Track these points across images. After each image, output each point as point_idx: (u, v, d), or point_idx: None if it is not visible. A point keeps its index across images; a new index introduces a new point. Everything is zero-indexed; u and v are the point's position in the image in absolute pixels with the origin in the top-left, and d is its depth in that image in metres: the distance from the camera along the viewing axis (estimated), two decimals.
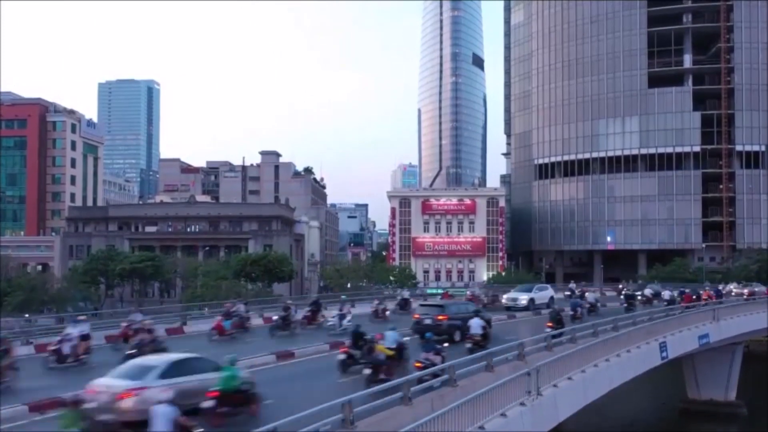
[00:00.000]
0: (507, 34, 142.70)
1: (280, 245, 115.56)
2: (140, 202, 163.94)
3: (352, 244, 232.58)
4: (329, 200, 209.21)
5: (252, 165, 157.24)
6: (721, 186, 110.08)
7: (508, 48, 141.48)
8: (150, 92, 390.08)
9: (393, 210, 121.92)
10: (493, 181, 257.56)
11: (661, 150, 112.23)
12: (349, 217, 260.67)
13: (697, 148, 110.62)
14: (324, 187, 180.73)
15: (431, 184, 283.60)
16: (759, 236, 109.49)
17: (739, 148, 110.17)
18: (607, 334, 27.00)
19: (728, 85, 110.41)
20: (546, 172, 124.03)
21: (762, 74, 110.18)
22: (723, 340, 39.63)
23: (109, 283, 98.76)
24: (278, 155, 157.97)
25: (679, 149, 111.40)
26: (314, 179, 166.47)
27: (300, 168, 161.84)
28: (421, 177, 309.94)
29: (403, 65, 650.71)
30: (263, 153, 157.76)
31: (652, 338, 29.21)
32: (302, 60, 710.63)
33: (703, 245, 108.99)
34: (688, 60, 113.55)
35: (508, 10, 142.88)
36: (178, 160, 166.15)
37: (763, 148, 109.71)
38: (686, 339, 33.58)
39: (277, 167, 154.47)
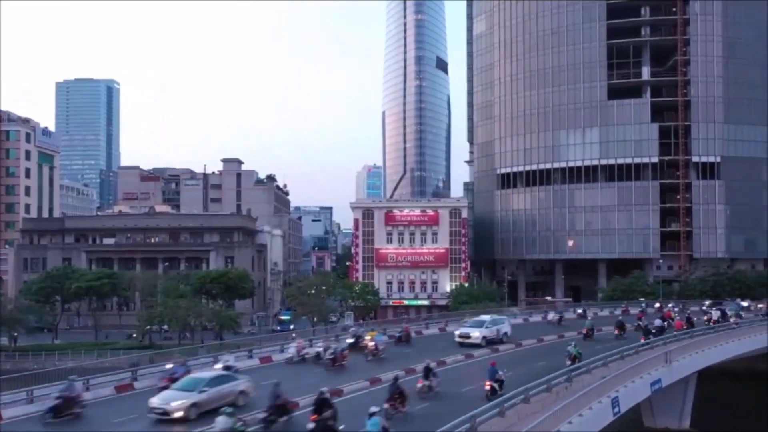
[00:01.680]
0: (470, 42, 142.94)
1: (242, 257, 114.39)
2: (98, 213, 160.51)
3: (316, 249, 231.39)
4: (293, 203, 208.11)
5: (213, 173, 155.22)
6: (678, 196, 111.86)
7: (470, 56, 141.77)
8: (109, 92, 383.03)
9: (356, 221, 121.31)
10: (456, 184, 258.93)
11: (620, 161, 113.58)
12: (313, 220, 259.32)
13: (655, 159, 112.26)
14: (287, 193, 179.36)
15: (396, 187, 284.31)
16: (715, 246, 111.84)
17: (695, 159, 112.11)
18: (556, 402, 26.35)
19: (685, 98, 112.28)
20: (508, 181, 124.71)
21: (717, 87, 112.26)
22: (676, 383, 40.12)
23: (65, 299, 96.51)
24: (240, 163, 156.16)
25: (637, 160, 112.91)
26: (277, 186, 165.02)
27: (263, 175, 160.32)
28: (385, 179, 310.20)
29: (367, 68, 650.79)
30: (225, 161, 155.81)
31: (605, 395, 29.20)
32: (266, 63, 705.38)
33: (661, 254, 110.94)
34: (646, 72, 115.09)
35: (470, 18, 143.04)
36: (137, 168, 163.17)
37: (719, 160, 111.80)
38: (638, 388, 33.78)
39: (239, 175, 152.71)
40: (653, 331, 48.83)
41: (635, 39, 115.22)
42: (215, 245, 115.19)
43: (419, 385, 29.95)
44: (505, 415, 24.21)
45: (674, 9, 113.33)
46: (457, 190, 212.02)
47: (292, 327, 79.54)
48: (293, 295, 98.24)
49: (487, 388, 29.09)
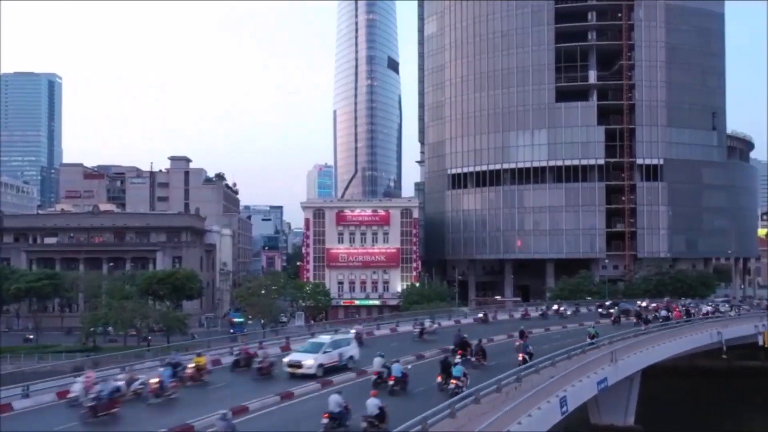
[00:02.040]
0: (421, 43, 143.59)
1: (190, 257, 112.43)
2: (39, 212, 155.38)
3: (266, 248, 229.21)
4: (243, 203, 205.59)
5: (161, 171, 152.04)
6: (623, 197, 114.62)
7: (422, 56, 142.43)
8: (51, 86, 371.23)
9: (307, 221, 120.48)
10: (407, 184, 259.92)
11: (568, 162, 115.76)
12: (263, 219, 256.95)
13: (601, 161, 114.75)
14: (236, 192, 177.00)
15: (347, 186, 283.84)
16: (658, 246, 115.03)
17: (639, 161, 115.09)
18: (506, 403, 26.45)
19: (630, 101, 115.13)
20: (459, 182, 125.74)
21: (660, 91, 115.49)
22: (622, 382, 41.00)
23: (4, 301, 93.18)
24: (188, 161, 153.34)
25: (584, 162, 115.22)
26: (226, 185, 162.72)
27: (212, 173, 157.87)
28: (336, 178, 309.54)
29: (318, 67, 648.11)
30: (173, 158, 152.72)
31: (553, 394, 29.52)
32: (215, 61, 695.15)
33: (607, 254, 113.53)
34: (593, 76, 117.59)
35: (422, 18, 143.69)
36: (81, 165, 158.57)
37: (662, 162, 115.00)
38: (585, 387, 34.26)
39: (187, 173, 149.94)
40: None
41: (582, 43, 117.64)
42: (162, 245, 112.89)
43: None
44: (456, 416, 24.23)
45: (620, 15, 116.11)
46: (408, 190, 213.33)
47: (245, 331, 77.21)
48: (243, 295, 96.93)
49: None
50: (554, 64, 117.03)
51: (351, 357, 36.99)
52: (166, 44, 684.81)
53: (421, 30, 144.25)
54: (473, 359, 37.31)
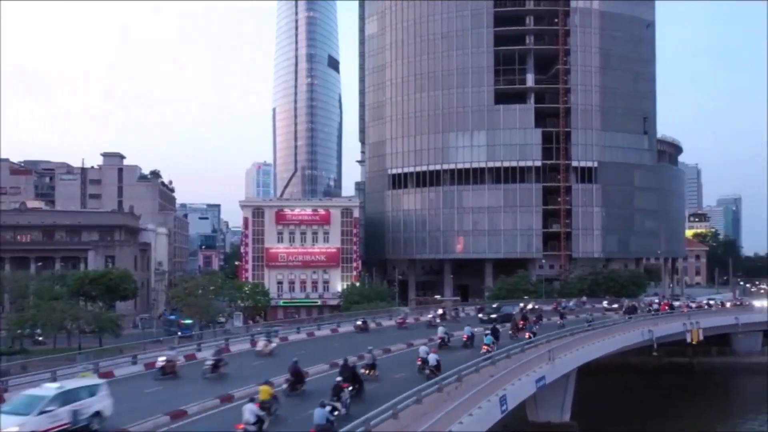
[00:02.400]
0: (362, 42, 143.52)
1: (124, 256, 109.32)
2: None
3: (203, 248, 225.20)
4: (180, 201, 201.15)
5: (93, 167, 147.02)
6: (559, 199, 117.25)
7: (362, 56, 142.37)
8: None
9: (246, 220, 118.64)
10: (348, 183, 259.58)
11: (506, 163, 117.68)
12: (200, 218, 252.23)
13: (538, 163, 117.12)
14: (172, 190, 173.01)
15: (286, 185, 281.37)
16: (592, 246, 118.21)
17: (575, 163, 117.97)
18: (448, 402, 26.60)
19: (566, 105, 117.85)
20: (399, 182, 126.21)
21: (595, 96, 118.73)
22: (558, 379, 41.84)
23: None
24: (122, 157, 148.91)
25: (522, 163, 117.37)
26: (162, 183, 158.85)
27: (147, 171, 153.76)
28: (276, 177, 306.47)
29: (258, 64, 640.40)
30: (105, 155, 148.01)
31: (494, 393, 29.88)
32: (152, 57, 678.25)
33: (544, 254, 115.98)
34: (530, 79, 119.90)
35: (362, 18, 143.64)
36: (7, 160, 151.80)
37: (596, 165, 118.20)
38: (525, 386, 34.85)
39: (120, 170, 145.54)
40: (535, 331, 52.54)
41: (520, 47, 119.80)
42: (94, 244, 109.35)
43: None
44: (399, 416, 24.24)
45: (556, 20, 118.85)
46: (348, 190, 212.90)
47: (191, 334, 73.39)
48: (179, 296, 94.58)
49: None
50: (493, 66, 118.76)
51: (97, 413, 25.07)
52: (102, 39, 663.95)
53: (361, 30, 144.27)
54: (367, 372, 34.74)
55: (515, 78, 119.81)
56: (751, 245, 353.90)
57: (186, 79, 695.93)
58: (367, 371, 34.86)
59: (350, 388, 29.39)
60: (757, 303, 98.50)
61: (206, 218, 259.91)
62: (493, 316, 64.97)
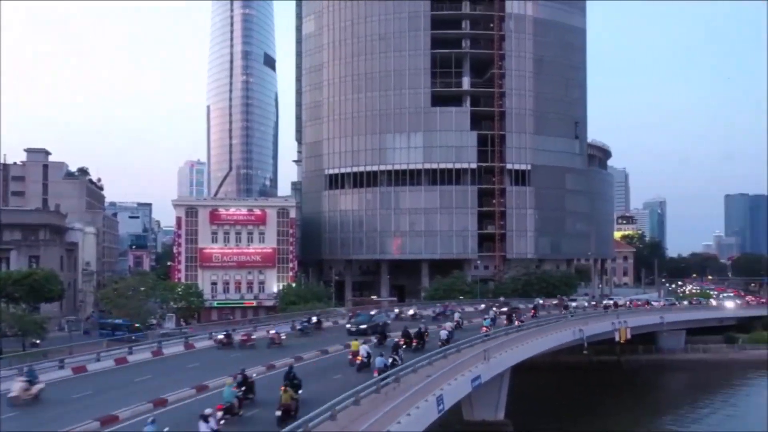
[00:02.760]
0: (299, 42, 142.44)
1: (49, 256, 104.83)
2: None
3: (134, 247, 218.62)
4: (109, 199, 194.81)
5: (15, 163, 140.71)
6: (494, 200, 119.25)
7: (299, 55, 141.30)
8: None
9: (179, 219, 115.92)
10: (284, 182, 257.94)
11: (442, 165, 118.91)
12: (130, 217, 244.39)
13: (474, 165, 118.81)
14: (101, 188, 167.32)
15: (221, 184, 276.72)
16: (525, 247, 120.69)
17: (509, 166, 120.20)
18: (386, 402, 26.66)
19: (500, 108, 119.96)
20: (336, 182, 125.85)
21: (528, 100, 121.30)
22: (493, 379, 42.48)
23: None
24: (47, 153, 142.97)
25: (458, 165, 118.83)
26: (90, 180, 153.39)
27: (74, 168, 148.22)
28: (210, 176, 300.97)
29: (192, 61, 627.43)
30: (29, 150, 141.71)
31: (430, 393, 30.14)
32: (82, 53, 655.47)
33: (479, 255, 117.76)
34: (466, 82, 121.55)
35: (299, 17, 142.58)
36: None
37: (529, 168, 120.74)
38: (461, 386, 35.21)
39: (46, 167, 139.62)
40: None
41: (457, 50, 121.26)
42: (17, 244, 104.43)
43: None
44: (337, 418, 24.18)
45: (492, 25, 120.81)
46: (285, 189, 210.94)
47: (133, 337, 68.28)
48: (108, 297, 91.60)
49: None
50: (430, 69, 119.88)
51: None
52: (31, 32, 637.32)
53: (299, 28, 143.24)
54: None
55: (452, 81, 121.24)
56: (675, 246, 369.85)
57: (118, 76, 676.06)
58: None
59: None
60: (729, 304, 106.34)
61: (137, 217, 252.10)
62: (363, 326, 56.54)
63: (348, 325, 59.22)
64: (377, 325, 56.14)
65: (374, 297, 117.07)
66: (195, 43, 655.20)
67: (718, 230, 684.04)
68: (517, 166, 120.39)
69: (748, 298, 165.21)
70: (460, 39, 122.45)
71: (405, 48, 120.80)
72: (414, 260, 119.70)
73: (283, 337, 51.51)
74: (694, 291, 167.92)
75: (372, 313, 65.48)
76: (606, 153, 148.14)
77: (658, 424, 60.46)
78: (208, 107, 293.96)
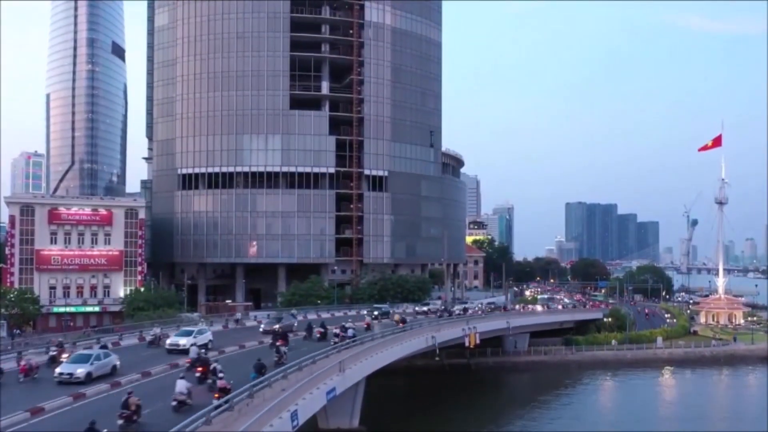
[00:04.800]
0: (151, 33, 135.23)
1: None
2: None
3: None
4: None
5: None
6: (351, 205, 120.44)
7: (151, 47, 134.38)
8: None
9: (12, 218, 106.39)
10: (133, 180, 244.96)
11: (300, 169, 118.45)
12: None
13: (332, 170, 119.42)
14: None
15: (62, 179, 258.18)
16: (382, 252, 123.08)
17: (367, 172, 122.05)
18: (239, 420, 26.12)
19: (359, 114, 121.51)
20: (190, 182, 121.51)
21: (386, 107, 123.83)
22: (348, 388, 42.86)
23: None
24: None
25: (316, 169, 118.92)
26: None
27: None
28: (49, 169, 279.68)
29: (31, 43, 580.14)
30: None
31: (285, 410, 29.86)
32: None
33: (336, 259, 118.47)
34: (325, 87, 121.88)
35: (152, 8, 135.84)
36: None
37: (386, 174, 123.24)
38: (316, 399, 35.18)
39: None
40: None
41: (316, 54, 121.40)
42: None
43: None
44: None
45: (351, 31, 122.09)
46: (134, 186, 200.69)
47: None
48: None
49: None
50: (289, 71, 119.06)
51: None
52: None
53: (151, 19, 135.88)
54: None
55: (311, 84, 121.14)
56: (521, 250, 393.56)
57: None
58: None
59: None
60: (538, 307, 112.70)
61: None
62: (276, 327, 57.90)
63: (262, 325, 62.56)
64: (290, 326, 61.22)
65: (229, 301, 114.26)
66: (34, 25, 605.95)
67: (559, 236, 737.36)
68: (374, 172, 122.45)
69: (577, 297, 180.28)
70: (319, 43, 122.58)
71: (264, 49, 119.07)
72: (271, 264, 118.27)
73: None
74: (535, 295, 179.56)
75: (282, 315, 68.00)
76: (459, 161, 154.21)
77: (501, 424, 63.78)
78: (48, 96, 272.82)
